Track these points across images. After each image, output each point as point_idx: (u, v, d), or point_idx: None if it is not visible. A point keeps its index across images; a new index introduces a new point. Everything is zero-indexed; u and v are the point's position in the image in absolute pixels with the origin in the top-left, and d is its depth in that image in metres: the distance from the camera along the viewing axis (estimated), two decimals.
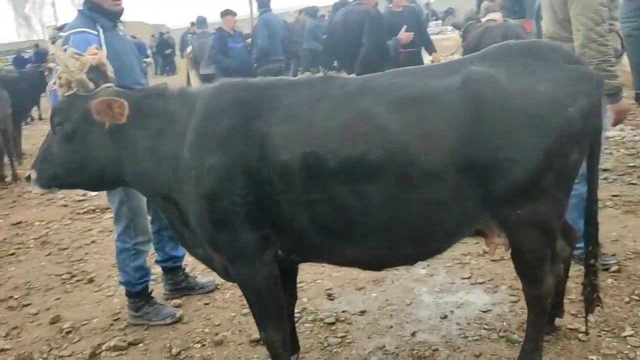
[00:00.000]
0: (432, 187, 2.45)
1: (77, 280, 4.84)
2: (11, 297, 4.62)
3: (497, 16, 7.66)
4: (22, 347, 3.80)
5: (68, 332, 3.94)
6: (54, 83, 3.06)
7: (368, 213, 2.51)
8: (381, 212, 2.50)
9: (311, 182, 2.51)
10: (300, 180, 2.52)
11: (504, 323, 3.52)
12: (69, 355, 3.66)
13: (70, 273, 4.99)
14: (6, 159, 8.53)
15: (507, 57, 2.55)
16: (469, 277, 4.15)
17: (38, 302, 4.50)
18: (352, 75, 6.12)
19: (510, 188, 2.46)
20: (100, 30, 3.56)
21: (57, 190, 3.17)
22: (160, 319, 3.90)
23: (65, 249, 5.64)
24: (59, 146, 2.95)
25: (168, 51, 24.47)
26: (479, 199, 2.51)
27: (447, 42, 14.31)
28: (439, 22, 15.31)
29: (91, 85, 2.92)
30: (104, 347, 3.69)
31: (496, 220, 2.62)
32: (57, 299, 4.53)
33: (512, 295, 3.80)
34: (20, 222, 6.57)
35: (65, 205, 7.06)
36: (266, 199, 2.59)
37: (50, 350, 3.73)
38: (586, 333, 3.18)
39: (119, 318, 4.10)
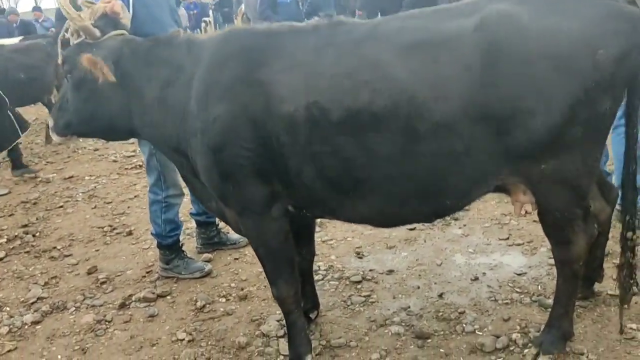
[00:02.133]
0: (443, 140, 2.27)
1: (117, 233, 4.95)
2: (55, 247, 4.78)
3: None
4: (58, 295, 3.93)
5: (103, 283, 4.04)
6: (65, 31, 3.04)
7: (375, 166, 2.37)
8: (388, 165, 2.35)
9: (316, 134, 2.39)
10: (304, 132, 2.39)
11: (539, 287, 3.32)
12: (101, 305, 3.74)
13: (111, 226, 5.11)
14: None
15: None
16: (507, 238, 3.94)
17: (79, 253, 4.64)
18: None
19: (531, 141, 2.24)
20: None
21: (75, 138, 3.20)
22: (189, 272, 3.93)
23: (110, 202, 5.78)
24: (70, 94, 2.97)
25: (227, 9, 24.41)
26: (496, 153, 2.31)
27: None
28: None
29: (97, 33, 2.88)
30: (133, 298, 3.76)
31: (518, 177, 2.41)
32: (97, 250, 4.65)
33: (550, 258, 3.53)
34: (72, 177, 6.77)
35: (115, 161, 7.22)
36: (273, 151, 2.49)
37: (84, 300, 3.83)
38: (620, 331, 2.80)
39: (151, 270, 4.17)
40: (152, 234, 4.03)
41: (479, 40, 2.20)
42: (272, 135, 2.47)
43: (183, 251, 4.04)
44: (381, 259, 3.89)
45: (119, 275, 4.15)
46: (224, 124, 2.52)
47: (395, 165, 2.35)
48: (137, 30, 3.27)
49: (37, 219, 5.52)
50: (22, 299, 3.93)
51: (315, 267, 3.80)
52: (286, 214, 2.68)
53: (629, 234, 2.58)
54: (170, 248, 3.96)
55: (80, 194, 6.16)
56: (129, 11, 3.38)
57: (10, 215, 5.74)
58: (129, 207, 5.56)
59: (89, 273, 4.21)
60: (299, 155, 2.46)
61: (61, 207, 5.82)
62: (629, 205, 2.58)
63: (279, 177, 2.56)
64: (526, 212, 2.66)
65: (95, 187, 6.32)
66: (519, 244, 3.83)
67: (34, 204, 6.03)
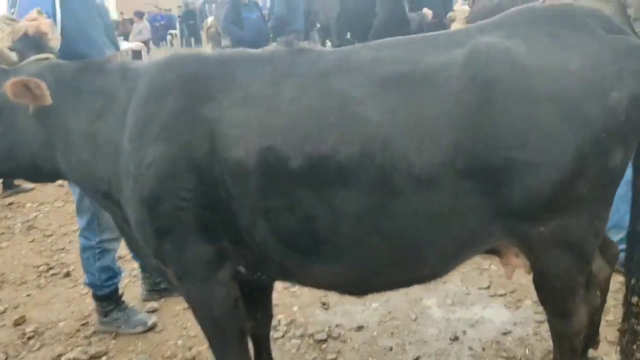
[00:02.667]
0: (424, 196, 1.87)
1: (53, 274, 4.40)
2: None
3: None
4: None
5: (30, 338, 3.51)
6: None
7: (340, 227, 1.95)
8: (357, 226, 1.93)
9: (270, 186, 1.96)
10: (257, 182, 1.97)
11: (526, 350, 2.94)
12: None
13: (48, 264, 4.57)
14: None
15: (530, 24, 1.92)
16: (488, 287, 3.56)
17: (8, 298, 4.08)
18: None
19: (530, 199, 1.86)
20: None
21: None
22: (129, 326, 3.43)
23: (50, 235, 5.23)
24: None
25: (192, 22, 23.99)
26: (489, 211, 1.91)
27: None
28: None
29: (13, 57, 2.41)
30: (63, 359, 3.24)
31: (512, 239, 2.02)
32: (28, 295, 4.10)
33: (537, 313, 3.20)
34: (12, 203, 6.19)
35: (61, 186, 6.59)
36: (220, 203, 2.06)
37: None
38: None
39: (87, 322, 3.65)
40: (85, 283, 3.52)
41: (469, 77, 1.82)
42: (219, 184, 2.03)
43: (123, 301, 3.54)
44: (349, 310, 3.46)
45: (49, 328, 3.61)
46: (161, 169, 2.07)
47: (365, 227, 1.94)
48: (67, 52, 2.79)
49: None
50: None
51: (275, 321, 3.36)
52: (235, 277, 2.24)
53: (635, 299, 2.23)
54: (107, 299, 3.46)
55: (19, 224, 5.58)
56: (57, 29, 2.91)
57: None
58: (70, 242, 5.01)
59: (15, 325, 3.67)
60: (250, 209, 2.03)
61: None
62: (634, 267, 2.23)
63: (228, 234, 2.12)
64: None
65: (36, 216, 5.75)
66: (501, 295, 3.45)
67: None
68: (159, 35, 26.31)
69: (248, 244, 2.13)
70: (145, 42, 13.29)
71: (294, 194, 1.94)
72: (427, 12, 6.04)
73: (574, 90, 1.78)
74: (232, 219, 2.07)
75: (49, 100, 2.23)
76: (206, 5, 14.64)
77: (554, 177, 1.83)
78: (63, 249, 4.89)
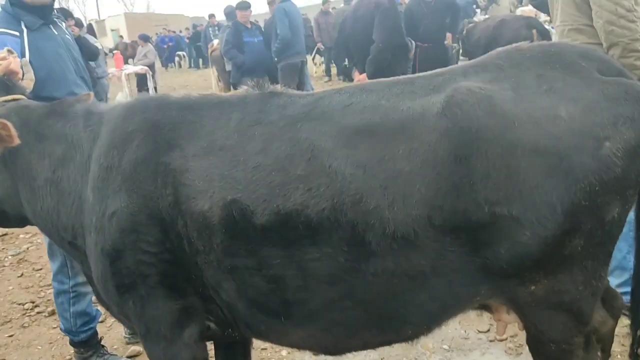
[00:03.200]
0: (401, 256, 1.71)
1: (38, 312, 4.26)
2: None
3: (528, 10, 6.68)
4: None
5: None
6: None
7: (311, 288, 1.79)
8: (328, 288, 1.77)
9: (235, 243, 1.81)
10: (221, 238, 1.82)
11: None
12: None
13: (33, 302, 4.43)
14: None
15: (517, 66, 1.76)
16: (487, 331, 3.35)
17: None
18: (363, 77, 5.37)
19: (517, 257, 1.69)
20: (25, 30, 2.91)
21: None
22: None
23: (39, 269, 5.09)
24: None
25: (200, 44, 24.14)
26: (473, 270, 1.75)
27: None
28: (480, 11, 14.15)
29: None
30: None
31: (501, 298, 1.84)
32: (11, 336, 3.96)
33: None
34: (5, 234, 6.07)
35: None
36: (185, 258, 1.91)
37: None
38: None
39: None
40: (61, 329, 3.36)
41: (445, 127, 1.66)
42: (183, 238, 1.89)
43: (103, 346, 3.38)
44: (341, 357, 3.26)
45: None
46: (123, 222, 1.93)
47: (338, 288, 1.77)
48: (36, 93, 2.69)
49: None
50: None
51: None
52: (204, 335, 2.08)
53: None
54: (84, 345, 3.30)
55: (10, 257, 5.46)
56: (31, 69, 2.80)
57: None
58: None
59: None
60: (215, 267, 1.88)
61: None
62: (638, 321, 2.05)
63: (195, 291, 1.97)
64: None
65: (27, 248, 5.62)
66: (502, 340, 3.24)
67: None
68: (167, 56, 26.50)
69: (216, 301, 1.97)
70: (150, 66, 13.31)
71: (260, 252, 1.79)
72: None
73: (563, 140, 1.61)
74: (198, 275, 1.93)
75: (17, 142, 2.11)
76: (210, 29, 14.61)
77: (542, 234, 1.66)
78: (50, 285, 4.72)
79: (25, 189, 2.25)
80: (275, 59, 8.63)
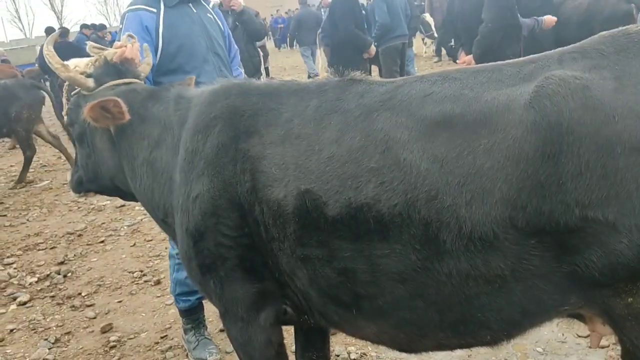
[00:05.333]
0: (477, 257, 1.60)
1: (145, 281, 4.56)
2: (79, 293, 4.46)
3: None
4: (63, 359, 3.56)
5: (112, 347, 3.64)
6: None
7: (381, 285, 1.73)
8: (398, 285, 1.71)
9: (307, 233, 1.80)
10: (294, 227, 1.82)
11: None
12: None
13: (142, 271, 4.75)
14: None
15: (622, 52, 1.57)
16: (588, 336, 3.10)
17: (101, 303, 4.28)
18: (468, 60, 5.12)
19: (611, 267, 1.53)
20: (162, 7, 3.13)
21: (91, 194, 2.80)
22: (195, 356, 3.37)
23: (150, 240, 5.45)
24: (78, 149, 2.63)
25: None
26: (560, 277, 1.60)
27: None
28: None
29: (90, 83, 2.46)
30: None
31: (593, 309, 1.68)
32: (119, 302, 4.28)
33: None
34: (123, 206, 6.54)
35: None
36: (263, 244, 1.93)
37: None
38: None
39: (166, 335, 3.72)
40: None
41: (533, 121, 1.52)
42: (260, 224, 1.91)
43: (205, 327, 3.49)
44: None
45: (131, 339, 3.73)
46: (205, 205, 1.99)
47: (408, 286, 1.70)
48: (165, 65, 2.98)
49: (74, 255, 5.28)
50: (28, 359, 3.59)
51: (344, 353, 3.20)
52: (278, 322, 2.10)
53: None
54: (186, 315, 3.45)
55: (125, 227, 5.89)
56: (155, 45, 3.03)
57: (52, 249, 5.56)
58: (166, 249, 5.12)
59: (102, 332, 3.83)
60: (289, 255, 1.88)
61: (102, 242, 5.57)
62: None
63: (272, 275, 1.99)
64: None
65: (142, 220, 6.02)
66: (603, 347, 2.99)
67: (79, 235, 5.83)
68: (279, 37, 27.06)
69: (291, 287, 1.98)
70: (262, 47, 13.65)
71: (330, 244, 1.76)
72: (549, 18, 5.39)
73: None
74: (274, 261, 1.94)
75: (127, 117, 2.26)
76: (322, 10, 14.59)
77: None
78: (159, 255, 5.05)
79: (128, 167, 2.39)
80: (375, 43, 8.47)
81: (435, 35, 14.01)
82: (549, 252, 1.57)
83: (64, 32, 12.72)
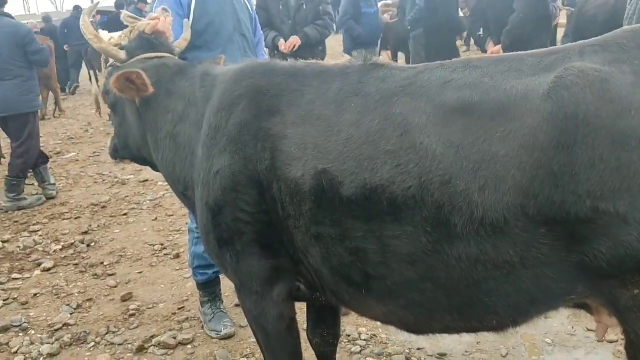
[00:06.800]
0: (487, 243, 1.63)
1: (165, 254, 4.68)
2: (102, 263, 4.60)
3: None
4: (85, 324, 3.69)
5: (132, 315, 3.75)
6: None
7: (391, 266, 1.78)
8: (408, 267, 1.75)
9: (322, 212, 1.85)
10: (310, 206, 1.87)
11: None
12: (120, 344, 3.44)
13: (162, 245, 4.86)
14: None
15: None
16: (596, 331, 3.12)
17: (122, 273, 4.41)
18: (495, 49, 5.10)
19: (620, 258, 1.55)
20: None
21: (127, 161, 2.95)
22: (208, 329, 3.47)
23: (171, 215, 5.56)
24: (113, 118, 2.77)
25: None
26: (568, 266, 1.63)
27: None
28: None
29: (122, 55, 2.54)
30: (154, 342, 3.42)
31: (599, 299, 1.71)
32: (140, 272, 4.40)
33: None
34: (146, 180, 6.68)
35: None
36: (279, 221, 1.99)
37: (106, 334, 3.55)
38: None
39: (184, 307, 3.82)
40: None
41: (550, 111, 1.54)
42: (278, 202, 1.97)
43: (222, 301, 3.59)
44: (436, 337, 3.23)
45: (150, 308, 3.84)
46: (225, 181, 2.06)
47: (418, 268, 1.75)
48: (192, 41, 3.00)
49: (98, 226, 5.42)
50: (50, 322, 3.73)
51: (355, 334, 3.27)
52: (291, 297, 2.17)
53: None
54: (203, 288, 3.54)
55: (148, 202, 6.01)
56: (187, 16, 3.11)
57: (76, 219, 5.71)
58: (186, 224, 5.24)
59: (122, 300, 3.95)
60: (303, 233, 1.93)
61: (125, 214, 5.70)
62: None
63: (287, 252, 2.06)
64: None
65: (164, 195, 6.14)
66: (612, 341, 3.01)
67: (103, 207, 5.97)
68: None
69: (305, 264, 2.04)
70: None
71: (344, 223, 1.81)
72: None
73: None
74: (290, 238, 2.00)
75: (151, 90, 2.34)
76: None
77: None
78: (179, 230, 5.16)
79: (152, 139, 2.47)
80: (409, 27, 8.43)
81: (462, 14, 13.85)
82: (559, 241, 1.60)
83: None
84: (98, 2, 3.66)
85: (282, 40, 5.92)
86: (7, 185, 6.15)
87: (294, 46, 5.85)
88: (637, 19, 4.04)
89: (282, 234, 2.01)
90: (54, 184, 6.54)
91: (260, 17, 5.44)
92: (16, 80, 6.08)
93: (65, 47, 14.64)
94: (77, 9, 15.40)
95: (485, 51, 5.60)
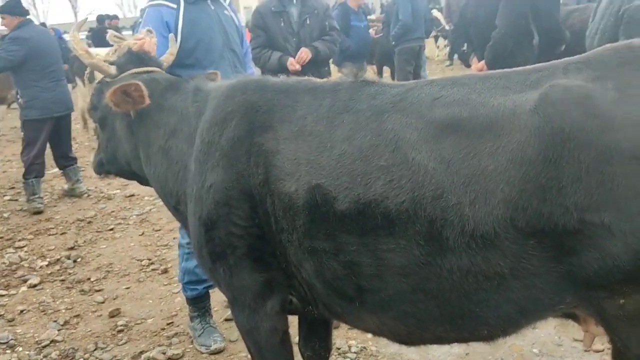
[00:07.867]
0: (478, 255, 1.68)
1: (153, 270, 4.66)
2: (89, 278, 4.57)
3: None
4: (72, 341, 3.67)
5: (120, 331, 3.74)
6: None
7: (384, 278, 1.81)
8: (401, 279, 1.79)
9: (315, 226, 1.88)
10: (303, 220, 1.90)
11: None
12: None
13: (150, 260, 4.85)
14: None
15: (625, 64, 1.64)
16: (583, 340, 3.17)
17: (109, 288, 4.39)
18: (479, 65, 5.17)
19: (606, 269, 1.60)
20: (182, 3, 3.25)
21: (111, 176, 2.99)
22: (198, 344, 3.47)
23: (158, 230, 5.55)
24: (100, 133, 2.76)
25: None
26: (557, 277, 1.68)
27: None
28: None
29: (112, 70, 2.56)
30: (142, 357, 3.41)
31: (587, 309, 1.76)
32: (127, 288, 4.38)
33: None
34: (132, 195, 6.66)
35: None
36: (272, 235, 2.01)
37: (94, 350, 3.53)
38: None
39: (172, 322, 3.81)
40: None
41: (537, 126, 1.60)
42: (271, 216, 1.99)
43: (210, 316, 3.58)
44: (426, 348, 3.26)
45: (138, 324, 3.83)
46: (218, 195, 2.08)
47: (410, 280, 1.78)
48: (182, 59, 3.05)
49: (84, 241, 5.39)
50: (37, 339, 3.70)
51: (345, 347, 3.28)
52: (284, 311, 2.19)
53: None
54: (192, 303, 3.53)
55: (134, 217, 5.99)
56: (174, 35, 3.11)
57: (62, 234, 5.67)
58: (174, 239, 5.24)
59: (110, 316, 3.93)
60: (297, 247, 1.96)
61: (111, 230, 5.67)
62: None
63: (279, 265, 2.08)
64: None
65: (150, 210, 6.13)
66: (598, 351, 3.06)
67: (89, 222, 5.94)
68: None
69: (297, 279, 2.07)
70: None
71: (338, 237, 1.84)
72: None
73: None
74: (282, 252, 2.02)
75: (147, 101, 2.36)
76: None
77: (636, 247, 1.55)
78: (167, 245, 5.15)
79: (143, 154, 2.49)
80: (393, 42, 8.55)
81: (447, 28, 14.01)
82: (547, 252, 1.64)
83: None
84: (86, 18, 3.68)
85: (290, 59, 5.29)
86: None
87: (304, 60, 5.30)
88: (598, 39, 4.18)
89: (275, 247, 2.04)
90: (42, 197, 6.51)
91: (258, 37, 5.44)
92: (65, 82, 6.98)
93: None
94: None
95: (469, 66, 5.68)
